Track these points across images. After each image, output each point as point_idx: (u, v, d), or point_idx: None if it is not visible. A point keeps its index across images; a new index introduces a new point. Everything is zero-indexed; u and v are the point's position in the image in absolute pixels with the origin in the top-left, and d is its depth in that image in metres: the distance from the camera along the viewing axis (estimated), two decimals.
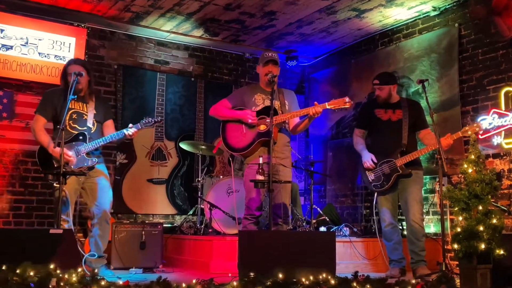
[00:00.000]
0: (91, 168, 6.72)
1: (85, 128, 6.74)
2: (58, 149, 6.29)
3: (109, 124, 7.06)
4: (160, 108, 10.41)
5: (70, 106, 6.62)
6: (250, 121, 6.49)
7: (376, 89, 7.25)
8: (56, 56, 9.31)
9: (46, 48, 9.27)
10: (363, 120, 7.53)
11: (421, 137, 7.26)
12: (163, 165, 10.37)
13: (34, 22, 9.25)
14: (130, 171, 9.99)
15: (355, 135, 7.50)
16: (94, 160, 6.68)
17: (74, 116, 6.73)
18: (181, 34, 10.41)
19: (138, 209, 10.02)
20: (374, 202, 7.38)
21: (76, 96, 6.39)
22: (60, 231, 5.46)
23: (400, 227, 7.86)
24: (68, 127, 6.63)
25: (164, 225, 8.52)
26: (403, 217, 7.39)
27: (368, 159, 7.13)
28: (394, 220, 7.21)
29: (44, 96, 6.90)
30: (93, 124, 6.84)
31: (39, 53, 9.22)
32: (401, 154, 6.96)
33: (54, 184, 6.41)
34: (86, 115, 6.81)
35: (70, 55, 9.34)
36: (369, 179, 7.17)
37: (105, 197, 6.86)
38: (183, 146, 9.43)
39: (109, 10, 9.34)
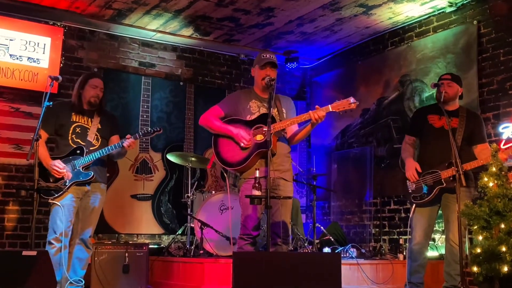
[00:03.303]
0: (87, 183, 6.95)
1: (85, 143, 7.00)
2: (51, 162, 6.70)
3: (114, 140, 7.28)
4: (145, 116, 10.42)
5: (74, 119, 7.03)
6: (242, 145, 6.41)
7: (443, 85, 7.06)
8: (29, 58, 9.30)
9: (18, 50, 9.26)
10: (414, 126, 7.48)
11: (477, 153, 7.05)
12: (148, 179, 10.37)
13: (4, 20, 9.24)
14: (112, 186, 9.97)
15: (405, 142, 7.44)
16: (90, 173, 6.91)
17: (78, 130, 7.05)
18: (169, 33, 10.44)
19: (120, 228, 10.01)
20: (410, 216, 7.29)
21: (51, 103, 6.47)
22: (34, 253, 5.46)
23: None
24: (70, 141, 6.97)
25: (150, 246, 8.50)
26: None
27: (411, 167, 7.09)
28: (426, 239, 7.15)
29: (49, 108, 7.05)
30: (97, 139, 7.12)
31: (11, 55, 9.21)
32: (449, 166, 6.83)
33: (49, 200, 6.75)
34: (89, 129, 7.09)
35: (45, 57, 9.35)
36: (409, 190, 7.12)
37: (93, 222, 7.18)
38: (171, 158, 9.41)
39: (89, 7, 9.35)
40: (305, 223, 10.73)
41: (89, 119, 7.12)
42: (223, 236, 8.31)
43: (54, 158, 6.79)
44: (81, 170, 6.84)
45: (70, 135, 6.96)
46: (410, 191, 7.10)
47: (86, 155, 6.88)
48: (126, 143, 6.89)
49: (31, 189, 6.05)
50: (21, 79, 9.19)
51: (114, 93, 10.23)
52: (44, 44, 9.46)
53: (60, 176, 6.71)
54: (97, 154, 6.89)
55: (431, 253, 8.63)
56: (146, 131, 7.14)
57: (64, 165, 6.76)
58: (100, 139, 7.13)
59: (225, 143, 6.55)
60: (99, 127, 7.15)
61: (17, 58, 9.25)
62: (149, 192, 10.34)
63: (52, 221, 6.76)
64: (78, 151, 6.90)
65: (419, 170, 7.01)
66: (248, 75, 11.39)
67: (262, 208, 6.31)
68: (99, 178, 7.11)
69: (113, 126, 7.40)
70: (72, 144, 6.94)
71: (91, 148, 6.98)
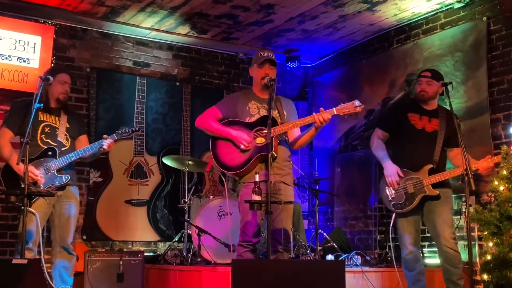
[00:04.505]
0: (62, 187, 6.84)
1: (56, 143, 6.87)
2: (22, 166, 6.37)
3: (83, 140, 7.20)
4: (140, 118, 10.41)
5: (42, 118, 6.87)
6: (242, 147, 6.38)
7: (421, 83, 7.03)
8: (19, 58, 9.30)
9: (7, 49, 9.26)
10: (391, 122, 7.31)
11: (452, 156, 7.04)
12: (143, 183, 10.37)
13: None
14: (106, 191, 9.99)
15: (376, 136, 7.27)
16: (66, 177, 6.81)
17: (47, 129, 6.90)
18: (164, 31, 10.45)
19: (115, 235, 10.01)
20: (391, 225, 7.27)
21: (42, 105, 6.43)
22: (25, 261, 5.46)
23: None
24: (40, 141, 6.83)
25: (145, 254, 8.49)
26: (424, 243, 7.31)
27: (393, 172, 6.91)
28: (417, 246, 7.04)
29: (13, 106, 6.98)
30: (66, 139, 7.00)
31: None
32: (430, 173, 6.77)
33: (23, 207, 6.48)
34: (58, 129, 6.96)
35: (36, 57, 9.35)
36: (389, 196, 6.95)
37: (72, 228, 7.04)
38: (167, 161, 9.41)
39: (80, 4, 9.35)
40: (307, 229, 10.73)
41: (57, 118, 7.02)
42: (221, 243, 8.30)
43: (23, 161, 6.46)
44: (55, 173, 6.74)
45: (39, 135, 6.81)
46: (390, 198, 6.95)
47: (59, 156, 6.79)
48: (105, 144, 6.82)
49: (21, 195, 6.00)
50: (11, 80, 9.18)
51: (107, 94, 10.23)
52: (34, 43, 9.46)
53: (34, 181, 6.58)
54: (73, 156, 6.80)
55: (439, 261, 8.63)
56: (124, 131, 7.04)
57: (41, 170, 6.66)
58: (69, 139, 7.04)
59: (224, 145, 6.52)
60: (68, 126, 7.05)
61: (6, 58, 9.25)
62: (144, 198, 10.34)
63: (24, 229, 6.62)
64: (50, 153, 6.78)
65: (401, 175, 6.87)
66: (247, 75, 11.36)
67: (262, 214, 6.29)
68: (71, 181, 6.99)
69: (81, 125, 7.35)
70: (41, 145, 6.81)
71: (62, 149, 6.88)
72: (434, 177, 6.72)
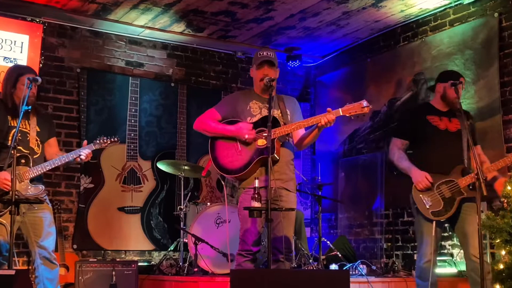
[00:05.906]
0: (40, 200, 6.67)
1: (28, 150, 6.70)
2: None
3: (52, 143, 7.05)
4: (133, 121, 10.40)
5: (12, 124, 6.65)
6: (247, 136, 6.35)
7: (460, 89, 6.77)
8: (5, 58, 9.28)
9: None
10: (409, 128, 7.09)
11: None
12: (137, 190, 10.36)
13: None
14: (97, 197, 9.97)
15: (396, 147, 7.07)
16: (40, 187, 6.65)
17: (18, 135, 6.56)
18: (158, 29, 10.45)
19: (107, 244, 10.00)
20: (420, 230, 7.10)
21: (30, 107, 6.36)
22: (12, 272, 5.44)
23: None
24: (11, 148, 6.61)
25: (139, 264, 8.50)
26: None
27: (422, 178, 6.70)
28: (435, 256, 6.96)
29: None
30: (37, 146, 6.82)
31: None
32: (464, 173, 6.65)
33: None
34: (29, 134, 6.79)
35: (23, 57, 9.33)
36: (426, 204, 6.70)
37: (51, 236, 6.82)
38: (162, 166, 9.41)
39: (70, 1, 9.34)
40: (310, 238, 10.72)
41: (26, 121, 6.76)
42: (219, 252, 8.29)
43: (10, 165, 6.33)
44: (28, 183, 6.55)
45: (10, 141, 6.54)
46: (427, 206, 6.69)
47: (32, 165, 6.60)
48: (83, 155, 6.64)
49: (9, 202, 5.97)
50: None
51: (99, 96, 10.22)
52: (22, 43, 9.45)
53: (8, 190, 6.30)
54: (48, 165, 6.63)
55: (450, 270, 8.61)
56: (101, 141, 6.78)
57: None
58: (40, 145, 6.84)
59: (224, 147, 6.50)
60: (38, 130, 6.83)
61: None
62: (138, 205, 10.33)
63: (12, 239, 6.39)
64: (23, 160, 6.57)
65: (431, 180, 6.67)
66: (246, 75, 11.38)
67: (263, 221, 6.27)
68: (43, 190, 6.85)
69: (51, 128, 7.11)
70: (12, 152, 6.34)
71: (34, 157, 6.70)
72: (470, 177, 6.54)
